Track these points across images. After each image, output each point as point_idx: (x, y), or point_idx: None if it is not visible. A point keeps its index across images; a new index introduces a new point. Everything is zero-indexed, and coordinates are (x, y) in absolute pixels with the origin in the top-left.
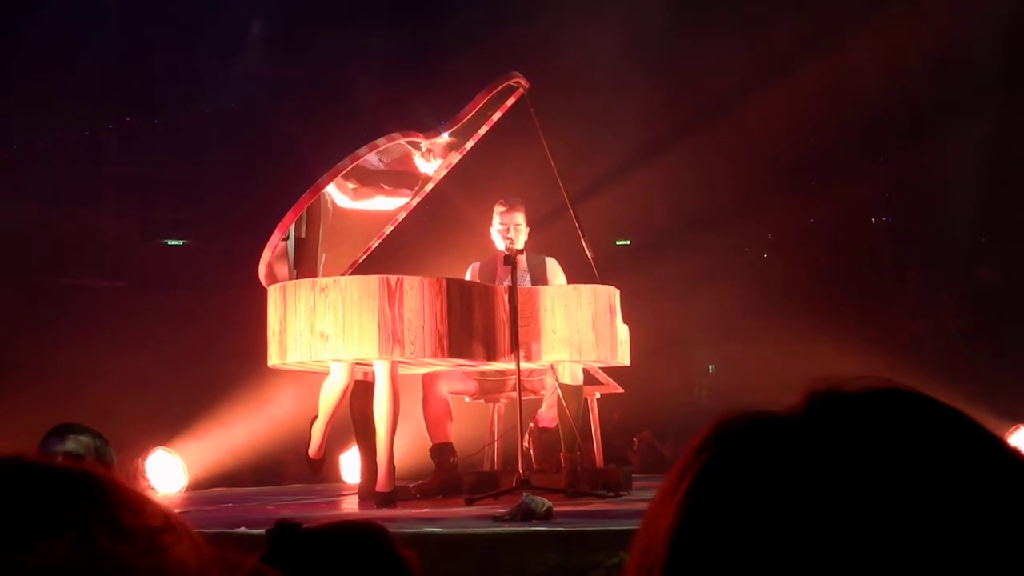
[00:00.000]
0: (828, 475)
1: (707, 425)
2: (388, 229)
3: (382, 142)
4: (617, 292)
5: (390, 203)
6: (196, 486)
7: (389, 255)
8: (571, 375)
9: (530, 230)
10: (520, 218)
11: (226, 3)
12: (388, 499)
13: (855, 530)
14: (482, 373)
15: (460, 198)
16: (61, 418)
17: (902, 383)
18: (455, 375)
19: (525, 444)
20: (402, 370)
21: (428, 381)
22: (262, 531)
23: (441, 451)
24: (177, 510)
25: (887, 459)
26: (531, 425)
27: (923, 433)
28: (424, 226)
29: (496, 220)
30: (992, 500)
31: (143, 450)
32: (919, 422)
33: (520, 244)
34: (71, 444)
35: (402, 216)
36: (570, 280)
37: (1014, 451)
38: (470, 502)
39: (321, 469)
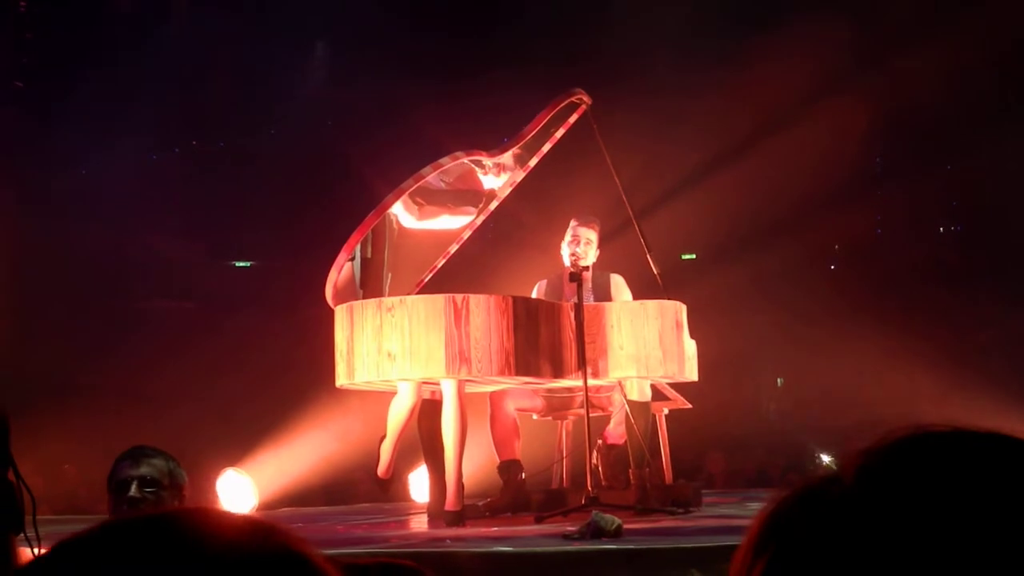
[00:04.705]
0: (895, 561)
1: (759, 515)
2: (453, 248)
3: (446, 161)
4: (684, 307)
5: (455, 221)
6: (266, 506)
7: (456, 274)
8: (639, 391)
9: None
10: (591, 235)
11: (289, 26)
12: (457, 518)
13: None
14: (549, 390)
15: (526, 215)
16: (131, 439)
17: (955, 425)
18: (522, 392)
19: (593, 461)
20: (469, 388)
21: (495, 399)
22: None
23: (509, 468)
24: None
25: (958, 531)
26: (599, 442)
27: (995, 491)
28: (490, 244)
29: (568, 233)
30: None
31: (213, 471)
32: (985, 479)
33: (589, 261)
34: (145, 468)
35: (467, 235)
36: (636, 296)
37: None
38: (539, 520)
39: (390, 488)
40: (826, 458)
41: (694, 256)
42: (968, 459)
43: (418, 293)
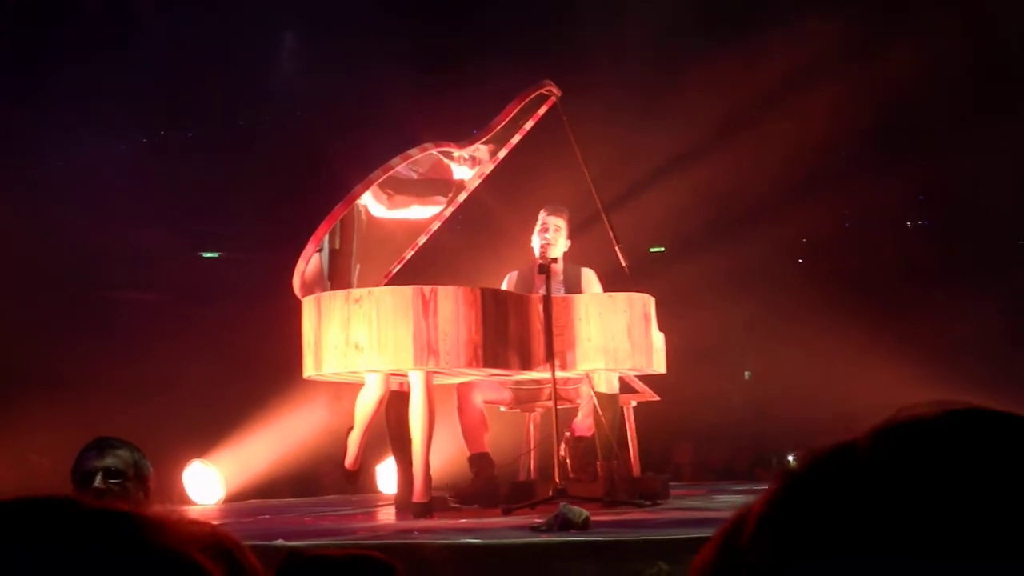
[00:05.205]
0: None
1: (750, 508)
2: (422, 240)
3: (414, 152)
4: (652, 300)
5: (424, 211)
6: (233, 498)
7: (425, 265)
8: (607, 384)
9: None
10: (560, 222)
11: (259, 16)
12: (425, 509)
13: None
14: (517, 382)
15: (497, 206)
16: (99, 430)
17: (970, 403)
18: (490, 384)
19: (561, 453)
20: (437, 380)
21: (463, 391)
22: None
23: (480, 460)
24: (215, 522)
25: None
26: (567, 434)
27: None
28: (461, 235)
29: (538, 223)
30: None
31: (180, 462)
32: (1006, 456)
33: (558, 252)
34: (110, 459)
35: (435, 226)
36: (605, 289)
37: None
38: (507, 512)
39: (358, 480)
40: (791, 457)
41: (663, 249)
42: (990, 436)
43: (386, 284)
